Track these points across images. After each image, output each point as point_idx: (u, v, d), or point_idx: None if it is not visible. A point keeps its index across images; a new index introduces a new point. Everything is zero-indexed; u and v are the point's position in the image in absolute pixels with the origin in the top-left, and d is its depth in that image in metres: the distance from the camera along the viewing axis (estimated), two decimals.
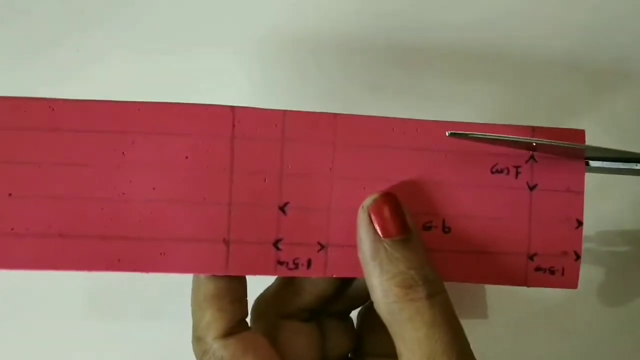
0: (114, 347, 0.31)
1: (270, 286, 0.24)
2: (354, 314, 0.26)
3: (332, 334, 0.24)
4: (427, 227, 0.23)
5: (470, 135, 0.22)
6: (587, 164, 0.24)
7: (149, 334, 0.31)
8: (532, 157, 0.23)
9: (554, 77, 0.33)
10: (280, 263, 0.22)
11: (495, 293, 0.33)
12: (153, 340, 0.31)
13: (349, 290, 0.24)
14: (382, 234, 0.20)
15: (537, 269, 0.23)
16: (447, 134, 0.21)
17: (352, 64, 0.32)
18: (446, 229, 0.23)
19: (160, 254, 0.21)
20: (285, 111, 0.22)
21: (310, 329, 0.23)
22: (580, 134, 0.23)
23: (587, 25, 0.33)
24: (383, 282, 0.20)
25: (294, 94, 0.32)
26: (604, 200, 0.32)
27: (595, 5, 0.33)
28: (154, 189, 0.21)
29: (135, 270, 0.21)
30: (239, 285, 0.21)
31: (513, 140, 0.22)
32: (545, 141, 0.22)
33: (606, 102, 0.33)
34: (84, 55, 0.31)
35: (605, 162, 0.24)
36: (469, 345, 0.20)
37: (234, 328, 0.21)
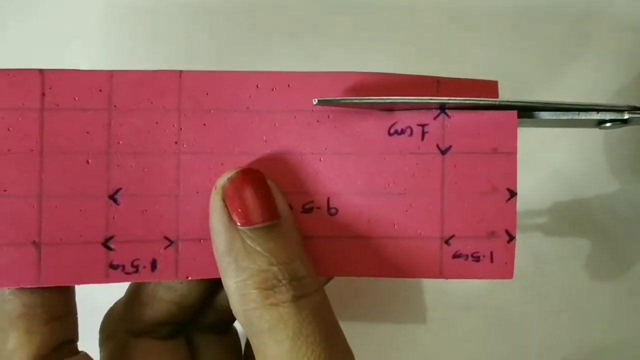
0: None
1: (121, 299, 0.19)
2: None
3: (206, 351, 0.19)
4: (307, 209, 0.17)
5: (343, 101, 0.17)
6: (520, 115, 0.18)
7: None
8: (443, 111, 0.18)
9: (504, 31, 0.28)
10: (114, 267, 0.17)
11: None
12: None
13: (220, 297, 0.19)
14: (240, 222, 0.15)
15: (456, 255, 0.18)
16: (314, 103, 0.16)
17: (203, 28, 0.28)
18: (332, 210, 0.17)
19: None
20: (112, 72, 0.17)
21: (172, 348, 0.19)
22: (492, 86, 0.18)
23: None
24: (239, 284, 0.15)
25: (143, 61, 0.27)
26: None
27: None
28: None
29: None
30: (58, 300, 0.16)
31: (403, 102, 0.17)
32: (445, 100, 0.17)
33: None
34: None
35: (547, 113, 0.18)
36: (351, 358, 0.15)
37: (50, 355, 0.16)
